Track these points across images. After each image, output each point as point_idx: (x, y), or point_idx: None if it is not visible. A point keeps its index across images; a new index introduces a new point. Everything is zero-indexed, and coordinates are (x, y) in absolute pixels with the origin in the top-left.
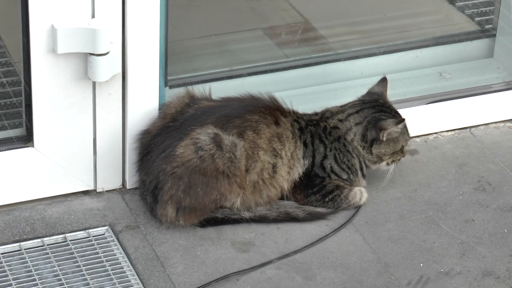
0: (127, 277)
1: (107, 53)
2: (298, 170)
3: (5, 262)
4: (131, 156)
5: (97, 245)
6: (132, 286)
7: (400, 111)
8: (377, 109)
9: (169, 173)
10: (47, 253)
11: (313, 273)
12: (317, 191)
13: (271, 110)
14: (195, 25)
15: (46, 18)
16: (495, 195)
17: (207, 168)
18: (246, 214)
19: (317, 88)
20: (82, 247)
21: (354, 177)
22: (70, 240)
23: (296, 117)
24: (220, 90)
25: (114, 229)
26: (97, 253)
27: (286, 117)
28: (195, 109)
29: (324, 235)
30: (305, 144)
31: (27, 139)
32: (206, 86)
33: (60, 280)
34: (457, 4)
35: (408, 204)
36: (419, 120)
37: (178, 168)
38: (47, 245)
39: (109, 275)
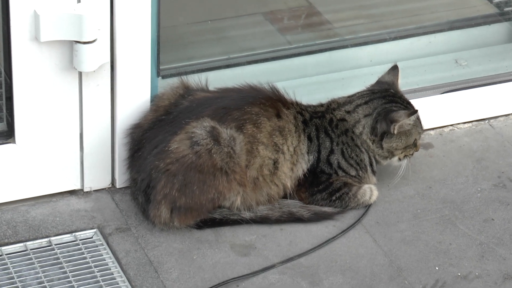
0: (118, 284)
1: (94, 41)
2: (302, 166)
3: None
4: (121, 153)
5: (84, 249)
6: None
7: (412, 101)
8: (387, 99)
9: (162, 170)
10: (31, 258)
11: (320, 278)
12: (323, 189)
13: (272, 102)
14: (190, 9)
15: (27, 3)
16: None
17: (203, 165)
18: (247, 215)
19: (323, 77)
20: (68, 252)
21: (363, 173)
22: (55, 244)
23: (300, 109)
24: (217, 80)
25: (103, 232)
26: (85, 258)
27: (288, 109)
28: (190, 101)
29: (331, 237)
30: (309, 138)
31: (8, 134)
32: (202, 76)
33: (44, 287)
34: None
35: (422, 203)
36: (434, 111)
37: (172, 164)
38: (31, 249)
39: (98, 281)
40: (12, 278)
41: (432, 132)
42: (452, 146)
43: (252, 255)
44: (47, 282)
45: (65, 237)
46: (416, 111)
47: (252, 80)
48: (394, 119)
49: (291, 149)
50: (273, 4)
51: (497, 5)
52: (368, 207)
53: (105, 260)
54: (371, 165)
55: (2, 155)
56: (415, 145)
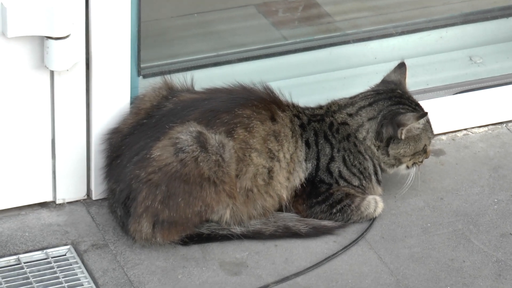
0: None
1: (67, 37)
2: (300, 175)
3: None
4: (98, 161)
5: (57, 268)
6: None
7: (422, 103)
8: (394, 101)
9: (143, 180)
10: None
11: None
12: (323, 200)
13: (266, 104)
14: (174, 1)
15: None
16: None
17: (189, 174)
18: (237, 229)
19: (322, 76)
20: (39, 271)
21: (367, 183)
22: (24, 262)
23: (297, 112)
24: (205, 79)
25: (77, 249)
26: (58, 277)
27: (284, 111)
28: (174, 103)
29: (331, 254)
30: (307, 144)
31: None
32: (188, 75)
33: None
34: None
35: (432, 216)
36: (445, 114)
37: (155, 174)
38: None
39: None
40: None
41: (443, 137)
42: (466, 152)
43: (244, 274)
44: None
45: (36, 255)
46: (426, 113)
47: (244, 80)
48: (401, 123)
49: (288, 156)
50: None
51: None
52: (372, 220)
53: (80, 280)
54: (375, 173)
55: None
56: (424, 152)
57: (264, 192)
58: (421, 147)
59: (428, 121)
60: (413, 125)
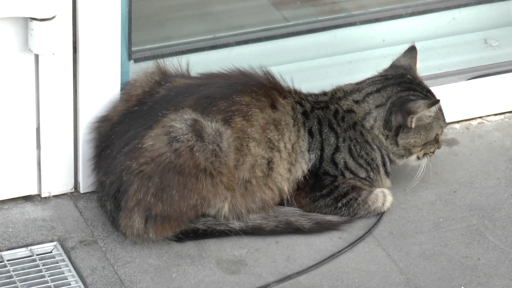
0: None
1: (52, 18)
2: (302, 166)
3: None
4: (86, 151)
5: (42, 266)
6: None
7: (433, 89)
8: (404, 87)
9: (135, 172)
10: None
11: None
12: (327, 193)
13: (266, 90)
14: None
15: None
16: None
17: (184, 165)
18: (236, 225)
19: (326, 61)
20: (23, 269)
21: (374, 175)
22: (7, 260)
23: (299, 98)
24: (200, 64)
25: (64, 246)
26: (43, 276)
27: (285, 98)
28: (167, 89)
29: (336, 251)
30: (310, 133)
31: None
32: (182, 59)
33: None
34: None
35: (445, 210)
36: (459, 101)
37: (147, 165)
38: None
39: None
40: None
41: (457, 125)
42: (480, 142)
43: (243, 273)
44: None
45: (20, 252)
46: (438, 100)
47: (242, 64)
48: (411, 110)
49: (289, 146)
50: None
51: None
52: (380, 215)
53: (67, 279)
54: (384, 165)
55: None
56: (436, 142)
57: (263, 184)
58: (433, 136)
59: (440, 109)
60: (424, 113)
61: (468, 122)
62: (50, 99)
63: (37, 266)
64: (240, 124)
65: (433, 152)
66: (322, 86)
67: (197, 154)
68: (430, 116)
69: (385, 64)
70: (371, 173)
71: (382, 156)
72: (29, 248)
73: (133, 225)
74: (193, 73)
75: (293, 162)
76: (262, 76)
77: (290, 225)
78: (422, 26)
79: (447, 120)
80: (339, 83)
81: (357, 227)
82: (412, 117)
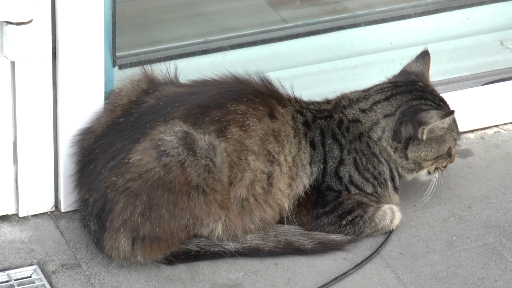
0: None
1: (30, 22)
2: (303, 181)
3: None
4: (67, 166)
5: None
6: None
7: (445, 95)
8: (415, 95)
9: (121, 189)
10: None
11: None
12: (331, 210)
13: (263, 98)
14: None
15: None
16: None
17: (174, 181)
18: (231, 246)
19: (329, 66)
20: None
21: (382, 190)
22: None
23: (300, 107)
24: (191, 70)
25: (45, 269)
26: None
27: (285, 107)
28: (156, 98)
29: (341, 273)
30: (312, 145)
31: None
32: (171, 64)
33: None
34: None
35: (459, 228)
36: (473, 108)
37: (134, 181)
38: None
39: None
40: None
41: (471, 135)
42: (497, 153)
43: None
44: None
45: None
46: (452, 112)
47: (237, 70)
48: (423, 121)
49: (289, 159)
50: None
51: None
52: (389, 233)
53: None
54: (392, 179)
55: None
56: (449, 155)
57: (263, 202)
58: (445, 150)
59: (454, 120)
60: (436, 124)
61: (483, 131)
62: (28, 110)
63: None
64: (237, 135)
65: (445, 167)
66: (324, 94)
67: (188, 169)
68: (443, 128)
69: (393, 68)
70: (378, 188)
71: (391, 170)
72: (6, 272)
73: (119, 247)
74: (183, 80)
75: (293, 177)
76: (259, 83)
77: (290, 245)
78: (433, 26)
79: (461, 129)
80: (343, 90)
81: (364, 247)
82: (423, 128)
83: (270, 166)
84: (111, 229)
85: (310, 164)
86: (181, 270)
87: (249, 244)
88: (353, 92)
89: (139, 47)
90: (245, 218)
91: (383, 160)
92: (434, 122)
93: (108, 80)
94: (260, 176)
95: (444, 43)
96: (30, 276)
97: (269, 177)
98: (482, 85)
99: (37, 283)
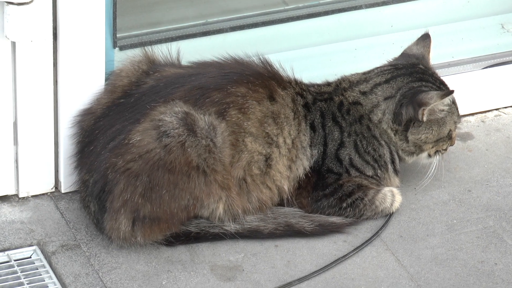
0: None
1: (31, 2)
2: (303, 163)
3: None
4: (67, 147)
5: (21, 272)
6: None
7: (445, 79)
8: (415, 77)
9: (121, 170)
10: None
11: None
12: (331, 193)
13: (263, 80)
14: None
15: None
16: None
17: (174, 162)
18: (231, 227)
19: (329, 48)
20: (0, 275)
21: (382, 173)
22: None
23: (300, 89)
24: (192, 51)
25: (44, 250)
26: (22, 283)
27: (285, 89)
28: (156, 79)
29: (341, 256)
30: (312, 127)
31: None
32: (172, 46)
33: None
34: None
35: (459, 211)
36: (474, 92)
37: (134, 162)
38: None
39: None
40: None
41: (471, 118)
42: (497, 136)
43: (239, 280)
44: None
45: None
46: (452, 91)
47: (237, 52)
48: (423, 102)
49: (289, 141)
50: None
51: None
52: (389, 216)
53: (47, 287)
54: (392, 162)
55: None
56: (449, 138)
57: (260, 183)
58: (446, 132)
59: (454, 102)
60: (436, 104)
61: (484, 114)
62: (28, 91)
63: (15, 272)
64: (236, 118)
65: (445, 150)
66: (325, 76)
67: (189, 150)
68: (443, 110)
69: (393, 51)
70: (379, 171)
71: (391, 153)
72: (6, 253)
73: (119, 227)
74: (184, 61)
75: (293, 159)
76: (259, 65)
77: (290, 228)
78: (434, 9)
79: (461, 113)
80: (344, 72)
81: (364, 230)
82: (423, 109)
83: (268, 148)
84: (111, 210)
85: (310, 146)
86: (181, 252)
87: (249, 226)
88: (354, 74)
89: (140, 28)
90: (242, 198)
91: (383, 143)
92: (434, 103)
93: (108, 61)
94: (257, 158)
95: (445, 26)
96: (30, 257)
97: (267, 158)
98: (483, 68)
99: (37, 263)
